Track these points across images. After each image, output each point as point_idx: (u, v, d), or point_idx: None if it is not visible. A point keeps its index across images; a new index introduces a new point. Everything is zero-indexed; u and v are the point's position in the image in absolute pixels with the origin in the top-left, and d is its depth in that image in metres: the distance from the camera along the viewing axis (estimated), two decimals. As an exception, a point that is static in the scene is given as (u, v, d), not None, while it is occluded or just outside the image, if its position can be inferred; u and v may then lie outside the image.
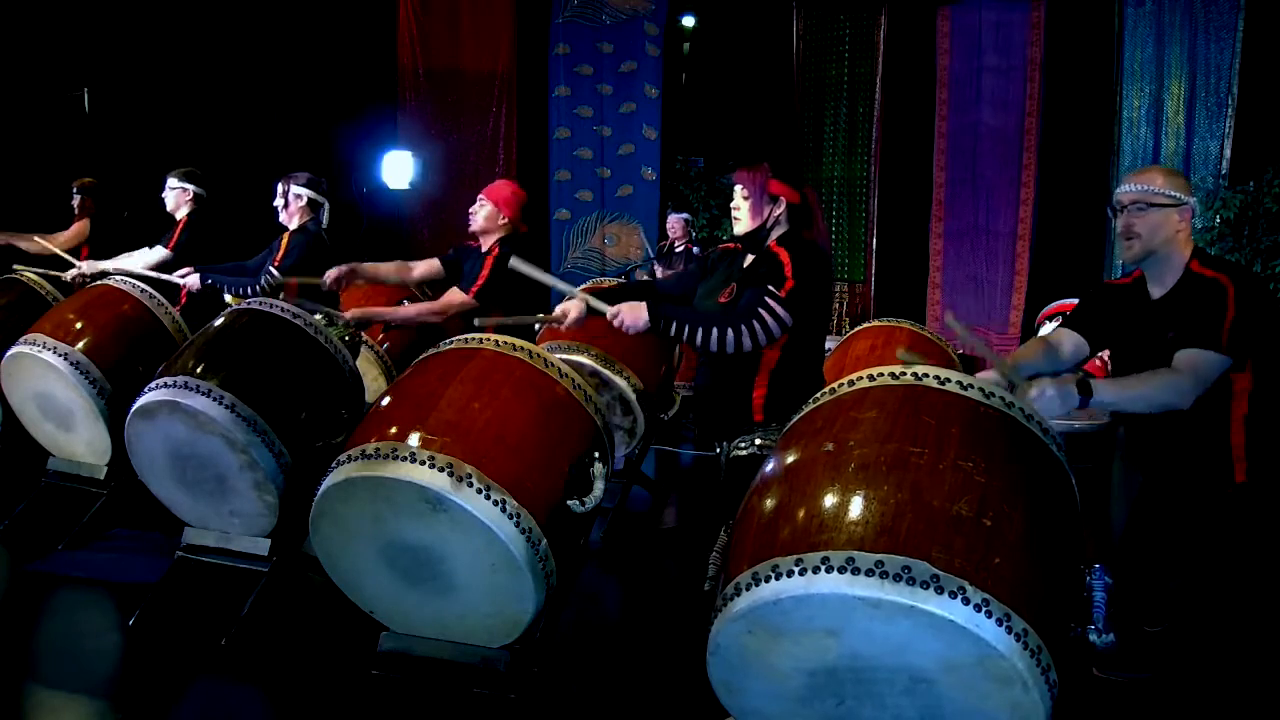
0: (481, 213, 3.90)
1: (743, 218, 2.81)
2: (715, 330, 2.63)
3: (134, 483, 3.54)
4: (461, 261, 3.98)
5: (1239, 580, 2.53)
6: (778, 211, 2.78)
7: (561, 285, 3.10)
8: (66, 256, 5.36)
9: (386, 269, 4.11)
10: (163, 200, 5.20)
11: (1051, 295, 5.56)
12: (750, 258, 2.84)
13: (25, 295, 4.88)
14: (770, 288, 2.63)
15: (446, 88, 9.20)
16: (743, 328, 2.61)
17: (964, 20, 8.72)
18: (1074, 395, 2.21)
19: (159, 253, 4.97)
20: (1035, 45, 8.46)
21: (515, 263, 3.11)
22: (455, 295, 3.80)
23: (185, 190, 5.13)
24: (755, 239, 2.80)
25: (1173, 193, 2.54)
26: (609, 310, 2.77)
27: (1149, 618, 2.59)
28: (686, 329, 2.67)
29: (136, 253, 5.03)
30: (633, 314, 2.71)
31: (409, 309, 3.94)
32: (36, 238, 5.47)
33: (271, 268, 4.33)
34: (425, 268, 4.07)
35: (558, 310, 3.05)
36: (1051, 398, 2.15)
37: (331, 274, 3.85)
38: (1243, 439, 2.45)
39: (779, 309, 2.62)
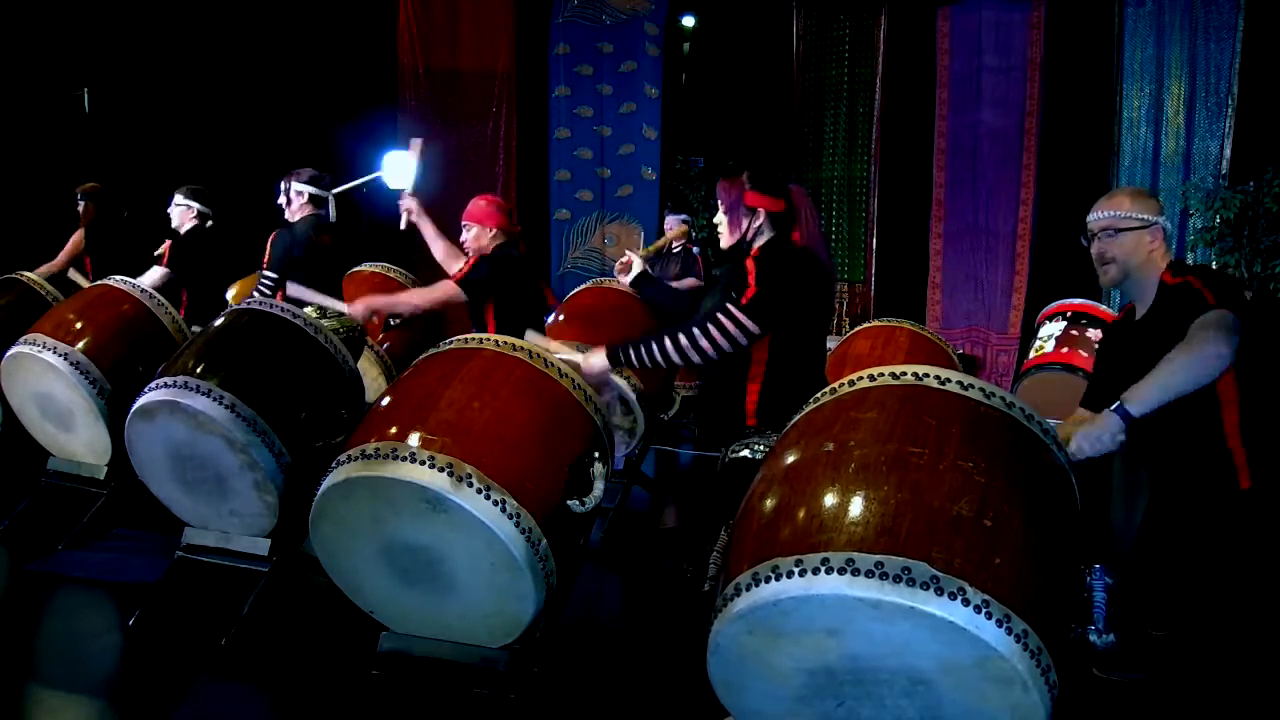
0: (469, 236, 3.95)
1: (723, 232, 2.81)
2: (668, 341, 2.64)
3: (134, 483, 3.54)
4: None
5: (1246, 585, 2.52)
6: (757, 222, 2.76)
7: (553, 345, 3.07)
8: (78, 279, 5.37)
9: (444, 244, 4.17)
10: (169, 215, 5.21)
11: (1051, 295, 5.55)
12: None
13: (25, 295, 4.89)
14: (732, 294, 2.64)
15: (446, 88, 9.19)
16: (695, 331, 2.61)
17: (964, 20, 8.71)
18: (1118, 423, 2.17)
19: (157, 272, 4.98)
20: (1035, 45, 8.44)
21: (532, 335, 3.10)
22: (444, 284, 3.83)
23: (190, 208, 5.15)
24: (737, 252, 2.80)
25: (1141, 215, 2.56)
26: (581, 359, 2.79)
27: (1155, 622, 2.59)
28: (644, 350, 2.68)
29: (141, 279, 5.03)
30: (591, 359, 2.76)
31: (409, 296, 3.94)
32: (23, 275, 5.44)
33: (265, 272, 4.32)
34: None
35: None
36: (1098, 438, 2.13)
37: (407, 204, 4.05)
38: (1240, 444, 2.45)
39: (738, 314, 2.60)
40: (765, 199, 2.76)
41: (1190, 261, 7.62)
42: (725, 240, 2.80)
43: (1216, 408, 2.44)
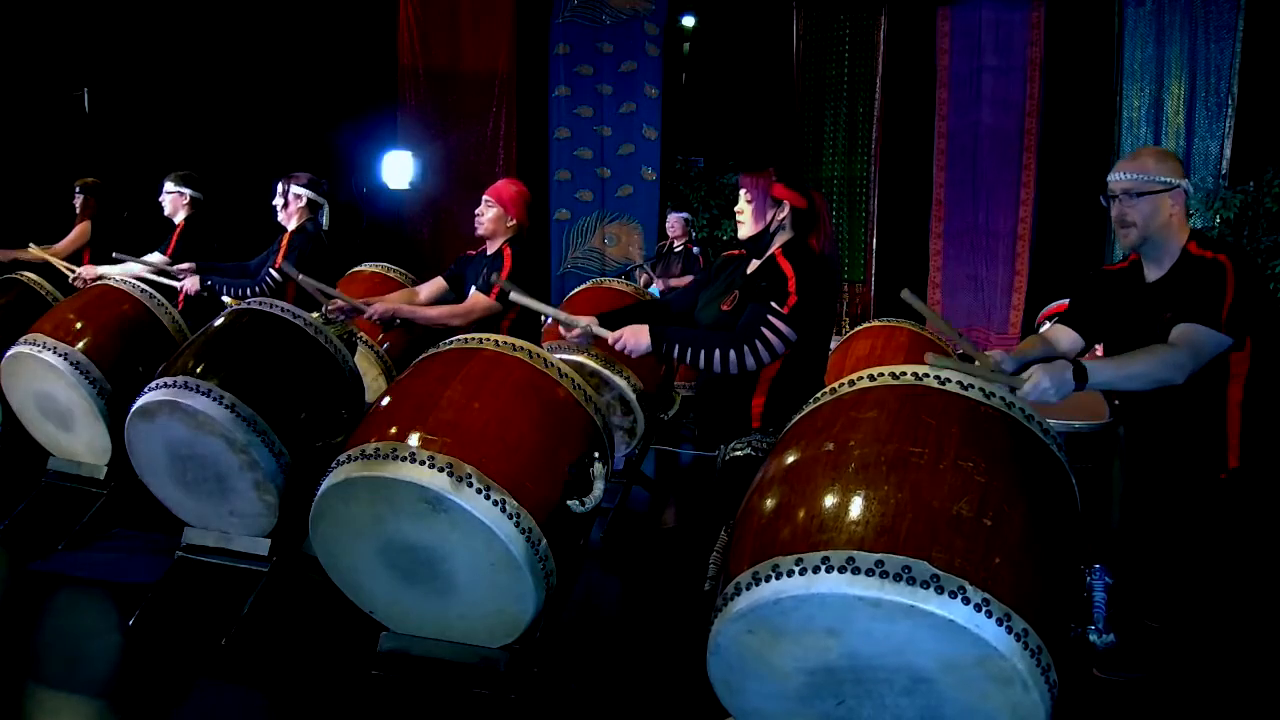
0: (489, 214, 3.89)
1: (746, 221, 2.80)
2: (717, 352, 2.63)
3: (134, 483, 3.54)
4: (464, 271, 3.98)
5: (1235, 569, 2.52)
6: (781, 215, 2.77)
7: (562, 316, 3.03)
8: (63, 266, 5.36)
9: (392, 299, 4.03)
10: (161, 204, 5.20)
11: (1051, 295, 5.56)
12: (754, 264, 2.84)
13: (25, 295, 4.88)
14: (772, 304, 2.62)
15: (446, 88, 9.20)
16: (744, 348, 2.61)
17: (964, 20, 8.72)
18: (1069, 381, 2.18)
19: (155, 258, 4.98)
20: (1035, 45, 8.46)
21: (516, 296, 3.06)
22: (479, 299, 3.78)
23: (182, 194, 5.14)
24: (758, 243, 2.80)
25: (1164, 178, 2.52)
26: (610, 335, 2.77)
27: (1150, 612, 2.59)
28: (689, 352, 2.66)
29: (133, 260, 5.03)
30: (635, 337, 2.71)
31: (433, 311, 3.91)
32: (32, 246, 5.46)
33: (272, 268, 4.33)
34: (431, 289, 4.04)
35: (574, 320, 2.98)
36: (1046, 388, 2.14)
37: (336, 305, 3.77)
38: (1238, 424, 2.44)
39: (781, 326, 2.61)
40: (792, 193, 2.77)
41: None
42: (748, 230, 2.80)
43: (1224, 383, 2.43)
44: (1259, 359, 2.44)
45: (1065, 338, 2.71)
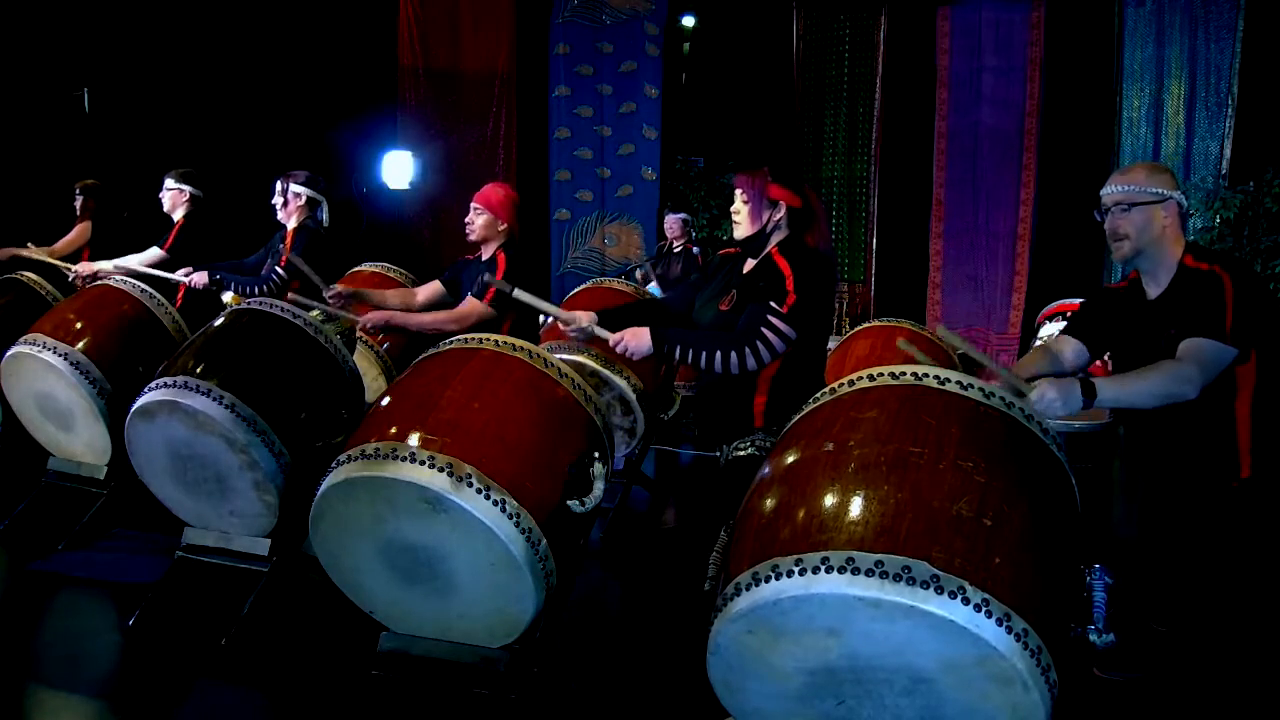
0: (479, 221, 3.88)
1: (742, 221, 2.80)
2: (719, 353, 2.63)
3: (134, 483, 3.54)
4: (461, 275, 3.98)
5: (1244, 578, 2.52)
6: (777, 216, 2.77)
7: (562, 314, 3.04)
8: (61, 264, 5.37)
9: (391, 296, 4.05)
10: (160, 200, 5.21)
11: (1051, 295, 5.56)
12: (750, 263, 2.84)
13: (25, 295, 4.89)
14: (771, 304, 2.62)
15: (446, 88, 9.20)
16: (746, 349, 2.61)
17: (964, 20, 8.72)
18: (1077, 396, 2.17)
19: (154, 254, 4.98)
20: (1035, 45, 8.46)
21: (519, 294, 3.07)
22: (473, 305, 3.78)
23: (182, 191, 5.15)
24: (754, 243, 2.80)
25: (1155, 189, 2.52)
26: (612, 337, 2.77)
27: (1158, 616, 2.59)
28: (690, 353, 2.67)
29: (132, 255, 5.04)
30: (635, 339, 2.71)
31: (427, 317, 3.90)
32: (30, 246, 5.47)
33: (278, 267, 4.33)
34: (428, 292, 4.04)
35: (574, 315, 2.98)
36: (1053, 400, 2.13)
37: (335, 290, 3.81)
38: (1248, 433, 2.44)
39: (781, 325, 2.61)
40: (787, 193, 2.77)
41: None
42: (744, 230, 2.80)
43: (1232, 393, 2.43)
44: (1265, 368, 2.43)
45: (1069, 348, 2.68)
